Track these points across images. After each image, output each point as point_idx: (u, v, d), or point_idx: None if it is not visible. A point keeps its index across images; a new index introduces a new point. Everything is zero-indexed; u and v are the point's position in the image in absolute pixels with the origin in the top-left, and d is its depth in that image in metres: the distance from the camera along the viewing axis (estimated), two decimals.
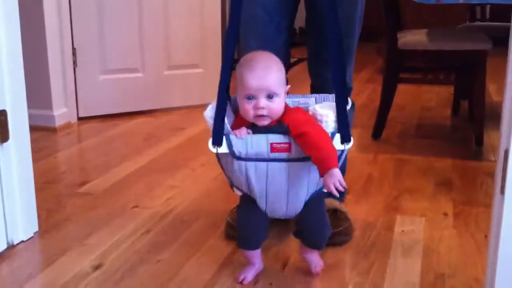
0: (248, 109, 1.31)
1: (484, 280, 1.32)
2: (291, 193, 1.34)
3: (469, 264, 1.55)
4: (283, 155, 1.29)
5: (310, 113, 1.38)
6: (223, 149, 1.29)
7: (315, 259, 1.49)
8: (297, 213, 1.38)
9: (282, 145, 1.28)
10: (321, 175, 1.25)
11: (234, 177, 1.35)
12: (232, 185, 1.41)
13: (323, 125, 1.33)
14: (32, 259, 1.59)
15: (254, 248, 1.44)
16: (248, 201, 1.38)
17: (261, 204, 1.37)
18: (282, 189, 1.33)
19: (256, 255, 1.46)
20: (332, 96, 1.38)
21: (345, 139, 1.31)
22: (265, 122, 1.32)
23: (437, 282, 1.45)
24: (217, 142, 1.29)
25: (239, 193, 1.41)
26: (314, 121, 1.33)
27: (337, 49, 1.31)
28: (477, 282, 1.45)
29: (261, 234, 1.44)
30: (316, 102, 1.44)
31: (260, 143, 1.28)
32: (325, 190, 1.33)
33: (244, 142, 1.29)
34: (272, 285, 1.44)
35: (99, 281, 1.46)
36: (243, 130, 1.31)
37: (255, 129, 1.32)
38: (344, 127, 1.31)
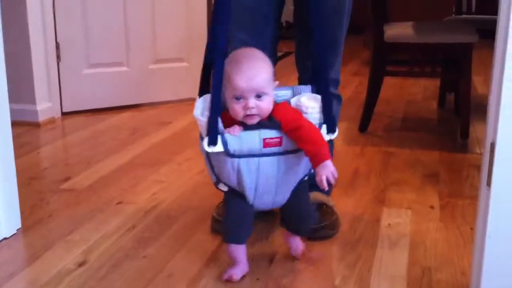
0: (237, 109, 1.31)
1: (471, 273, 1.32)
2: (281, 184, 1.37)
3: (456, 257, 1.55)
4: (275, 149, 1.31)
5: (293, 105, 1.40)
6: (218, 148, 1.28)
7: (296, 243, 1.51)
8: (283, 202, 1.41)
9: (274, 139, 1.31)
10: (314, 167, 1.29)
11: (224, 174, 1.34)
12: (217, 183, 1.40)
13: (308, 116, 1.36)
14: (14, 256, 1.56)
15: (240, 241, 1.43)
16: (234, 196, 1.38)
17: (250, 197, 1.37)
18: (272, 182, 1.35)
19: (241, 252, 1.44)
20: (307, 87, 1.43)
21: (330, 130, 1.38)
22: (255, 121, 1.32)
23: (424, 275, 1.45)
24: (213, 142, 1.28)
25: (225, 189, 1.40)
26: (302, 115, 1.36)
27: (320, 40, 1.38)
28: (464, 275, 1.45)
29: (247, 228, 1.43)
30: (293, 94, 1.44)
31: (253, 140, 1.30)
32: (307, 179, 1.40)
33: (238, 140, 1.29)
34: (259, 280, 1.43)
35: (83, 277, 1.44)
36: (237, 128, 1.30)
37: (247, 125, 1.31)
38: (329, 118, 1.38)
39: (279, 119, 1.32)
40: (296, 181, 1.40)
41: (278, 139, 1.31)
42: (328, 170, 1.28)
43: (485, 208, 1.23)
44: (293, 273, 1.46)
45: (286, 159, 1.33)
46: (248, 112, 1.30)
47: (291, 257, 1.52)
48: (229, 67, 1.31)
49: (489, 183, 1.20)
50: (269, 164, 1.32)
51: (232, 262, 1.45)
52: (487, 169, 1.22)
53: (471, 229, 1.69)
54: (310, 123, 1.34)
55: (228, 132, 1.29)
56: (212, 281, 1.42)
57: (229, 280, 1.41)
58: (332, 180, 1.28)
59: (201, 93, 1.42)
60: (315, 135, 1.32)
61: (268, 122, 1.32)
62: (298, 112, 1.36)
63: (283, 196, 1.40)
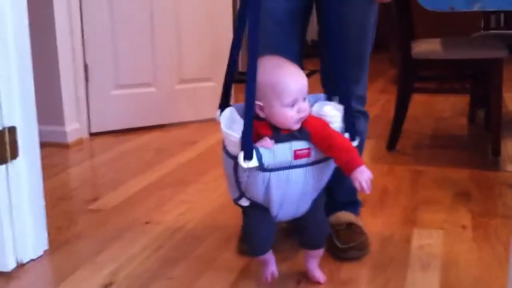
0: (291, 116, 1.29)
1: None
2: (306, 194, 1.37)
3: (490, 278, 1.50)
4: (304, 160, 1.31)
5: (315, 113, 1.40)
6: (254, 162, 1.26)
7: (317, 270, 1.50)
8: (304, 212, 1.41)
9: (304, 151, 1.30)
10: (349, 173, 1.30)
11: (253, 189, 1.32)
12: (238, 198, 1.38)
13: (331, 126, 1.37)
14: (41, 278, 1.57)
15: (267, 251, 1.45)
16: (255, 209, 1.38)
17: (275, 210, 1.36)
18: (299, 193, 1.35)
19: (270, 256, 1.46)
20: (323, 96, 1.45)
21: (351, 138, 1.39)
22: (299, 125, 1.31)
23: None
24: (249, 157, 1.25)
25: (246, 204, 1.38)
26: (328, 124, 1.37)
27: (343, 55, 1.41)
28: None
29: (271, 238, 1.44)
30: (310, 103, 1.42)
31: (285, 152, 1.29)
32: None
33: (272, 153, 1.27)
34: None
35: None
36: (268, 140, 1.28)
37: (278, 137, 1.30)
38: (350, 126, 1.40)
39: (309, 128, 1.31)
40: (319, 190, 1.40)
41: (307, 150, 1.30)
42: (366, 175, 1.29)
43: None
44: None
45: (312, 170, 1.33)
46: (302, 115, 1.30)
47: (312, 281, 1.49)
48: (274, 75, 1.29)
49: None
50: (298, 176, 1.32)
51: (263, 265, 1.46)
52: None
53: (505, 249, 1.64)
54: (337, 131, 1.35)
55: (261, 145, 1.27)
56: None
57: (272, 278, 1.45)
58: (368, 185, 1.29)
59: (221, 107, 1.41)
60: (346, 142, 1.34)
61: (298, 132, 1.31)
62: (324, 121, 1.37)
63: (305, 207, 1.40)
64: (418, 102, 3.43)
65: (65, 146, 2.83)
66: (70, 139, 2.87)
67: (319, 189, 1.40)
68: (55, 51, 2.78)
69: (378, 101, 3.77)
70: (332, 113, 1.39)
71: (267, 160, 1.27)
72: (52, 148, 2.76)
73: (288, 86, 1.28)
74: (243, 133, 1.25)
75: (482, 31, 3.79)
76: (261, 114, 1.32)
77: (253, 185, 1.31)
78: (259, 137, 1.29)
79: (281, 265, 1.57)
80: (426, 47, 2.63)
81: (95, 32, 2.96)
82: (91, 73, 2.98)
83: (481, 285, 1.46)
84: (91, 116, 3.02)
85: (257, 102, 1.29)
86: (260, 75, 1.27)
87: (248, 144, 1.25)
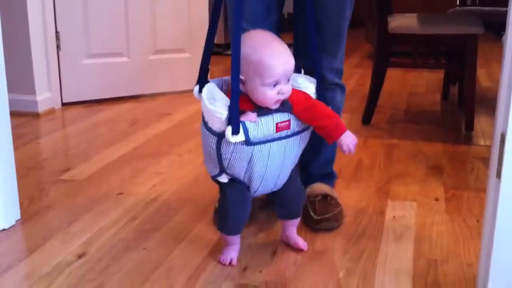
0: (271, 95, 1.28)
1: (478, 265, 1.30)
2: (285, 167, 1.38)
3: (462, 249, 1.52)
4: (284, 132, 1.31)
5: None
6: (240, 137, 1.25)
7: (299, 237, 1.51)
8: (281, 185, 1.41)
9: (285, 123, 1.31)
10: (335, 138, 1.32)
11: (236, 164, 1.31)
12: (218, 175, 1.37)
13: None
14: (13, 247, 1.54)
15: (240, 232, 1.45)
16: (234, 187, 1.37)
17: (255, 185, 1.36)
18: (279, 166, 1.35)
19: (237, 240, 1.46)
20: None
21: None
22: (277, 105, 1.30)
23: (430, 268, 1.42)
24: (236, 131, 1.24)
25: (225, 180, 1.37)
26: (308, 94, 1.38)
27: (315, 31, 1.43)
28: (471, 267, 1.42)
29: (246, 219, 1.45)
30: None
31: (268, 125, 1.28)
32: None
33: (256, 126, 1.27)
34: (262, 273, 1.40)
35: (83, 270, 1.41)
36: (252, 114, 1.27)
37: (261, 110, 1.29)
38: (322, 98, 1.42)
39: (291, 99, 1.31)
40: (295, 162, 1.42)
41: (287, 122, 1.31)
42: (352, 139, 1.33)
43: (494, 199, 1.21)
44: (296, 266, 1.44)
45: (291, 142, 1.34)
46: (281, 97, 1.29)
47: (294, 250, 1.50)
48: (259, 53, 1.26)
49: (499, 175, 1.18)
50: (278, 149, 1.32)
51: (227, 244, 1.45)
52: (496, 161, 1.19)
53: (478, 221, 1.67)
54: (318, 100, 1.37)
55: (247, 119, 1.26)
56: (213, 273, 1.40)
57: (228, 265, 1.43)
58: (353, 149, 1.33)
59: (199, 82, 1.39)
60: (329, 110, 1.35)
61: (280, 105, 1.30)
62: (305, 92, 1.37)
63: (283, 179, 1.41)
64: (392, 77, 3.45)
65: (36, 115, 2.78)
66: (41, 108, 2.82)
67: (295, 161, 1.41)
68: (25, 18, 2.70)
69: (353, 76, 3.78)
70: (306, 85, 1.40)
71: (253, 134, 1.26)
72: (22, 118, 2.71)
73: (271, 66, 1.26)
74: (230, 107, 1.24)
75: (457, 7, 3.80)
76: (242, 89, 1.29)
77: (236, 160, 1.30)
78: (241, 112, 1.27)
79: (256, 236, 1.58)
80: (403, 22, 2.62)
81: None
82: (63, 42, 2.91)
83: (454, 256, 1.48)
84: (63, 86, 2.96)
85: (240, 76, 1.27)
86: (245, 50, 1.25)
87: (236, 118, 1.24)
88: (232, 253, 1.45)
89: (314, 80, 1.42)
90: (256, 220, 1.65)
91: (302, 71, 1.50)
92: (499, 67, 1.16)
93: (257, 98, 1.29)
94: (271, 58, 1.26)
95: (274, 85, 1.27)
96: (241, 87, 1.29)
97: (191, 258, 1.47)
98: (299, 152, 1.40)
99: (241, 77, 1.28)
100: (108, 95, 3.10)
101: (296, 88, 1.38)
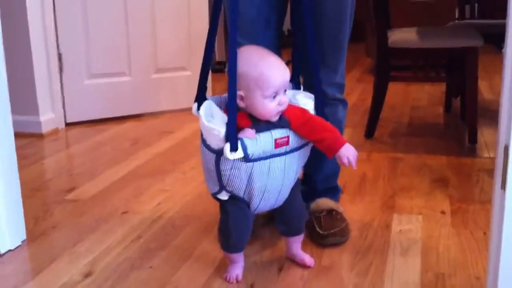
0: (272, 108, 1.29)
1: (486, 278, 1.29)
2: (285, 183, 1.37)
3: (469, 262, 1.51)
4: (283, 148, 1.31)
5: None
6: (239, 154, 1.25)
7: (304, 254, 1.51)
8: (283, 201, 1.41)
9: (284, 139, 1.31)
10: (335, 151, 1.32)
11: (235, 181, 1.31)
12: (218, 192, 1.36)
13: None
14: (19, 268, 1.53)
15: (243, 249, 1.44)
16: (235, 204, 1.37)
17: (256, 202, 1.35)
18: (279, 182, 1.35)
19: (241, 257, 1.46)
20: (290, 84, 1.43)
21: None
22: (278, 117, 1.31)
23: (438, 282, 1.42)
24: (235, 148, 1.24)
25: (225, 198, 1.37)
26: (305, 109, 1.38)
27: (313, 42, 1.42)
28: (478, 280, 1.41)
29: (248, 236, 1.44)
30: None
31: (267, 141, 1.28)
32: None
33: (255, 142, 1.27)
34: None
35: None
36: (250, 131, 1.28)
37: (258, 127, 1.29)
38: (321, 114, 1.41)
39: (288, 115, 1.32)
40: (295, 178, 1.41)
41: (286, 138, 1.31)
42: (352, 151, 1.32)
43: (500, 211, 1.20)
44: (302, 281, 1.43)
45: (291, 158, 1.34)
46: (280, 109, 1.30)
47: (301, 265, 1.49)
48: (257, 66, 1.27)
49: (503, 186, 1.17)
50: (278, 165, 1.32)
51: (231, 262, 1.45)
52: (501, 172, 1.19)
53: (484, 233, 1.66)
54: (316, 115, 1.37)
55: (245, 136, 1.26)
56: None
57: (235, 282, 1.42)
58: (354, 162, 1.32)
59: (198, 101, 1.39)
60: (327, 123, 1.35)
61: (277, 121, 1.31)
62: (302, 107, 1.37)
63: (284, 196, 1.40)
64: (394, 91, 3.45)
65: (39, 136, 2.79)
66: (45, 129, 2.83)
67: (295, 176, 1.41)
68: (28, 40, 2.72)
69: (355, 90, 3.79)
70: (304, 101, 1.40)
71: (252, 150, 1.26)
72: (26, 139, 2.71)
73: (271, 78, 1.27)
74: (228, 124, 1.24)
75: (456, 21, 3.82)
76: (241, 104, 1.30)
77: (236, 177, 1.30)
78: (239, 129, 1.27)
79: (262, 253, 1.57)
80: (402, 36, 2.64)
81: (68, 21, 2.91)
82: (65, 63, 2.93)
83: (461, 270, 1.48)
84: (66, 106, 2.98)
85: (238, 92, 1.27)
86: (242, 65, 1.26)
87: (233, 135, 1.24)
88: (237, 270, 1.44)
89: (312, 96, 1.43)
90: (260, 237, 1.65)
91: (302, 87, 1.50)
92: (500, 79, 1.16)
93: (258, 112, 1.30)
94: (270, 70, 1.28)
95: (274, 97, 1.28)
96: (239, 103, 1.29)
97: (196, 276, 1.47)
98: (299, 169, 1.40)
99: (240, 92, 1.28)
100: (110, 115, 3.11)
101: (294, 104, 1.38)
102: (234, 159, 1.26)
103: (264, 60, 1.29)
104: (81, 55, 2.97)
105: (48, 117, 2.86)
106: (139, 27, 3.10)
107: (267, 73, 1.27)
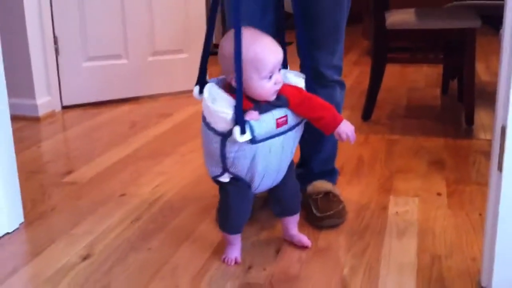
0: (269, 88, 1.30)
1: (482, 259, 1.30)
2: (283, 161, 1.39)
3: (465, 243, 1.52)
4: (282, 128, 1.33)
5: None
6: (247, 136, 1.26)
7: (301, 235, 1.52)
8: (279, 180, 1.43)
9: (283, 118, 1.32)
10: (334, 128, 1.34)
11: (239, 163, 1.32)
12: (219, 175, 1.37)
13: None
14: (17, 251, 1.54)
15: (240, 231, 1.46)
16: (235, 186, 1.38)
17: (256, 182, 1.37)
18: (278, 161, 1.37)
19: (238, 240, 1.47)
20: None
21: None
22: (275, 96, 1.33)
23: (434, 263, 1.43)
24: (244, 131, 1.25)
25: (226, 180, 1.38)
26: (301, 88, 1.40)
27: (302, 31, 1.45)
28: (474, 261, 1.43)
29: (247, 217, 1.46)
30: None
31: (269, 122, 1.30)
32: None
33: (260, 124, 1.28)
34: (266, 271, 1.41)
35: (88, 271, 1.42)
36: (254, 113, 1.28)
37: (260, 108, 1.30)
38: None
39: (286, 94, 1.33)
40: (291, 157, 1.43)
41: (285, 117, 1.32)
42: (350, 127, 1.35)
43: (496, 193, 1.21)
44: (300, 263, 1.44)
45: (288, 136, 1.35)
46: (277, 88, 1.31)
47: (298, 247, 1.50)
48: (252, 48, 1.27)
49: (500, 168, 1.18)
50: (278, 144, 1.33)
51: (229, 243, 1.46)
52: (497, 154, 1.20)
53: (480, 215, 1.67)
54: (312, 94, 1.38)
55: (250, 118, 1.27)
56: (218, 272, 1.40)
57: (233, 264, 1.44)
58: (353, 137, 1.35)
59: (199, 84, 1.39)
60: (323, 101, 1.36)
61: (277, 100, 1.32)
62: (298, 86, 1.39)
63: (281, 174, 1.42)
64: (391, 73, 3.45)
65: (36, 119, 2.78)
66: (42, 112, 2.82)
67: (292, 155, 1.43)
68: (23, 23, 2.71)
69: (352, 73, 3.78)
70: (295, 80, 1.42)
71: (258, 132, 1.27)
72: (23, 122, 2.71)
73: (266, 59, 1.28)
74: (236, 108, 1.25)
75: (455, 2, 3.80)
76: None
77: (241, 159, 1.31)
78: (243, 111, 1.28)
79: (259, 235, 1.58)
80: (400, 18, 2.62)
81: (64, 3, 2.88)
82: (61, 45, 2.92)
83: (457, 251, 1.49)
84: (63, 89, 2.97)
85: (233, 75, 1.28)
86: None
87: (241, 118, 1.25)
88: (235, 252, 1.45)
89: (303, 75, 1.44)
90: (258, 219, 1.66)
91: (288, 67, 1.50)
92: (497, 61, 1.16)
93: (256, 93, 1.30)
94: (264, 51, 1.28)
95: (270, 77, 1.29)
96: (235, 84, 1.28)
97: (195, 257, 1.48)
98: (295, 147, 1.42)
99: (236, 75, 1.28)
100: (107, 97, 3.10)
101: (287, 83, 1.39)
102: (239, 142, 1.27)
103: (257, 41, 1.29)
104: (77, 38, 2.96)
105: (45, 100, 2.86)
106: (135, 9, 3.08)
107: (261, 54, 1.28)
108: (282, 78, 1.32)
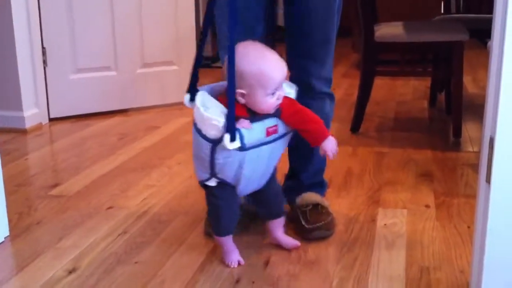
0: (272, 103, 1.34)
1: (470, 272, 1.30)
2: (268, 168, 1.44)
3: (454, 255, 1.52)
4: (272, 136, 1.36)
5: None
6: (237, 143, 1.28)
7: (288, 237, 1.55)
8: (263, 184, 1.47)
9: (274, 127, 1.36)
10: (319, 142, 1.38)
11: (227, 169, 1.35)
12: (206, 180, 1.40)
13: None
14: (2, 264, 1.52)
15: (231, 232, 1.48)
16: (222, 189, 1.41)
17: (242, 186, 1.40)
18: (264, 167, 1.41)
19: (231, 240, 1.49)
20: None
21: None
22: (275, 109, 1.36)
23: (422, 275, 1.42)
24: (233, 138, 1.28)
25: (213, 184, 1.40)
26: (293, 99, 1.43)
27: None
28: (463, 274, 1.42)
29: (236, 219, 1.48)
30: None
31: (260, 131, 1.33)
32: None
33: (250, 133, 1.31)
34: (255, 284, 1.39)
35: (74, 285, 1.40)
36: (245, 121, 1.31)
37: (253, 117, 1.33)
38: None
39: (280, 104, 1.36)
40: (276, 163, 1.47)
41: (276, 127, 1.36)
42: (334, 144, 1.38)
43: (484, 205, 1.21)
44: (289, 276, 1.43)
45: (276, 144, 1.39)
46: (279, 102, 1.35)
47: (287, 259, 1.50)
48: (259, 64, 1.30)
49: (488, 179, 1.18)
50: (265, 152, 1.37)
51: (226, 250, 1.48)
52: (485, 165, 1.20)
53: (468, 227, 1.67)
54: (303, 106, 1.41)
55: (242, 127, 1.30)
56: (206, 285, 1.39)
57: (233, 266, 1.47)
58: (334, 154, 1.39)
59: (190, 92, 1.40)
60: (314, 115, 1.40)
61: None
62: (291, 98, 1.42)
63: (266, 179, 1.46)
64: (380, 86, 3.46)
65: (23, 131, 2.76)
66: (29, 124, 2.80)
67: (276, 162, 1.47)
68: (11, 34, 2.69)
69: (341, 85, 3.79)
70: (287, 91, 1.43)
71: (247, 140, 1.30)
72: (10, 134, 2.69)
73: (273, 76, 1.31)
74: (228, 116, 1.28)
75: (443, 15, 3.83)
76: (241, 101, 1.33)
77: (229, 165, 1.35)
78: (235, 119, 1.30)
79: (248, 248, 1.57)
80: (389, 31, 2.64)
81: (53, 15, 2.88)
82: (50, 57, 2.90)
83: (446, 263, 1.48)
84: (50, 101, 2.95)
85: (239, 90, 1.31)
86: (243, 64, 1.29)
87: (232, 125, 1.28)
88: (235, 256, 1.48)
89: (294, 86, 1.46)
90: (247, 232, 1.64)
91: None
92: (484, 74, 1.17)
93: (258, 107, 1.34)
94: (271, 67, 1.32)
95: (273, 93, 1.32)
96: (240, 100, 1.32)
97: (183, 270, 1.46)
98: (280, 154, 1.45)
99: (241, 91, 1.31)
100: (96, 110, 3.09)
101: None
102: (228, 149, 1.29)
103: (264, 58, 1.32)
104: (65, 50, 2.95)
105: (32, 112, 2.84)
106: (125, 21, 3.08)
107: (268, 72, 1.31)
108: (282, 93, 1.35)
